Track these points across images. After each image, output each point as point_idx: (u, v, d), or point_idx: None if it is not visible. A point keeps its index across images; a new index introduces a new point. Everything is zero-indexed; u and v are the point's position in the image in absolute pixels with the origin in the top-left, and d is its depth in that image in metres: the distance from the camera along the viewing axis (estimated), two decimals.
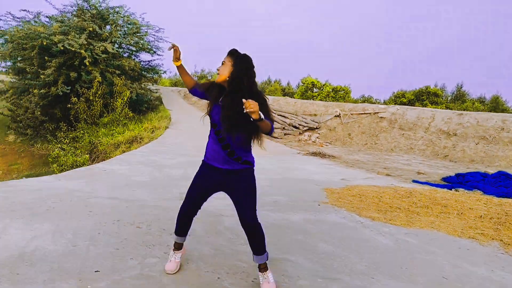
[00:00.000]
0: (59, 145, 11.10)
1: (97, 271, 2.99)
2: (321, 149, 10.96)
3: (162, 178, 6.40)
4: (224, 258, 3.38)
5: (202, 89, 2.87)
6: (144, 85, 15.49)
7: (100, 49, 13.20)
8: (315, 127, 13.55)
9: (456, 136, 11.85)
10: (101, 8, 14.82)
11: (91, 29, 13.45)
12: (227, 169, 2.75)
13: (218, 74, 2.64)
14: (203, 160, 2.89)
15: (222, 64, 2.62)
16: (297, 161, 9.06)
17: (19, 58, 13.84)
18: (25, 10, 14.21)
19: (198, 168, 2.92)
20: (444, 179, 7.90)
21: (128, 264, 3.16)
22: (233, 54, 2.64)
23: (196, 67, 43.86)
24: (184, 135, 11.63)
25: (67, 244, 3.46)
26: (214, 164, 2.77)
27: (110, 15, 14.97)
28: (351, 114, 13.58)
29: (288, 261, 3.41)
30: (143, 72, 15.62)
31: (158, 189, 5.64)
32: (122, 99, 12.54)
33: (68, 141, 11.59)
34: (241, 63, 2.59)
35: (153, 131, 11.34)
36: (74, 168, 7.73)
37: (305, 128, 13.56)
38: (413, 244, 4.03)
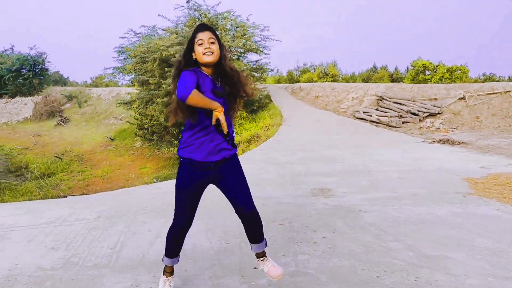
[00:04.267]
0: (168, 149, 11.86)
1: (255, 267, 3.07)
2: (448, 136, 10.14)
3: (288, 175, 6.43)
4: (378, 256, 3.24)
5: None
6: (254, 85, 15.86)
7: None
8: (436, 112, 12.59)
9: None
10: (210, 16, 15.51)
11: None
12: (217, 160, 2.45)
13: (208, 54, 2.34)
14: (183, 159, 2.48)
15: (211, 43, 2.36)
16: (424, 150, 8.49)
17: (142, 71, 15.12)
18: (144, 26, 15.52)
19: (180, 171, 2.52)
20: None
21: (281, 261, 3.19)
22: (212, 29, 2.44)
23: (298, 62, 43.69)
24: (297, 130, 11.65)
25: (220, 242, 3.62)
26: (202, 159, 2.42)
27: (218, 21, 15.61)
28: (478, 95, 12.35)
29: (448, 258, 3.15)
30: (252, 72, 16.01)
31: (287, 186, 5.67)
32: None
33: None
34: (220, 39, 2.45)
35: (267, 128, 11.56)
36: None
37: (426, 114, 12.68)
38: None
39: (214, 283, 2.83)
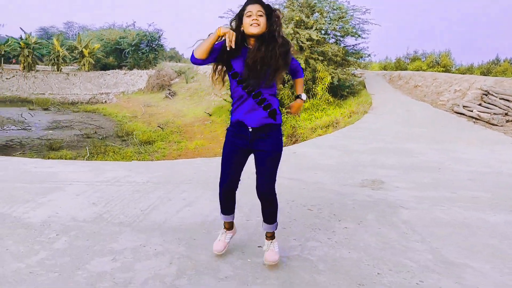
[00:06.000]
0: None
1: (260, 246, 3.12)
2: None
3: (349, 163, 6.25)
4: (391, 254, 3.06)
5: (217, 51, 2.53)
6: (347, 69, 15.41)
7: (305, 37, 13.72)
8: None
9: None
10: None
11: (297, 18, 14.09)
12: (255, 127, 2.57)
13: (255, 25, 2.44)
14: (231, 122, 2.69)
15: (259, 15, 2.45)
16: None
17: None
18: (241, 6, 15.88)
19: (226, 134, 2.74)
20: None
21: (289, 244, 3.19)
22: (264, 4, 2.52)
23: (408, 49, 41.20)
24: (383, 120, 11.12)
25: (242, 218, 3.72)
26: (242, 120, 2.57)
27: (317, 3, 15.36)
28: None
29: (468, 267, 2.86)
30: (347, 57, 15.55)
31: (341, 174, 5.53)
32: (323, 84, 12.81)
33: None
34: (275, 14, 2.53)
35: (350, 115, 11.22)
36: None
37: None
38: None
39: (212, 255, 2.94)
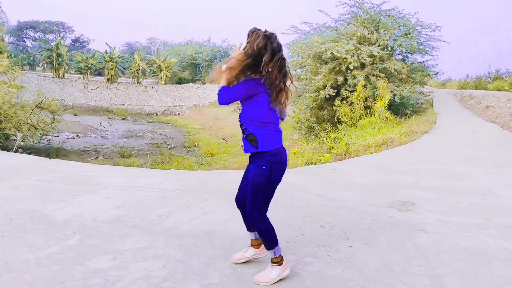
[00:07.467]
0: (312, 144, 12.09)
1: (256, 258, 3.19)
2: None
3: (386, 183, 6.07)
4: (386, 276, 2.98)
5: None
6: (412, 87, 14.82)
7: (367, 54, 13.49)
8: None
9: None
10: (373, 13, 15.08)
11: (359, 34, 13.91)
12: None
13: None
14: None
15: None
16: None
17: (297, 67, 15.69)
18: (306, 22, 16.07)
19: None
20: None
21: (287, 257, 3.21)
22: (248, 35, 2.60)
23: (490, 67, 38.57)
24: (443, 141, 10.56)
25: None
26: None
27: (382, 18, 15.06)
28: None
29: None
30: (412, 74, 14.98)
31: (372, 193, 5.40)
32: (382, 102, 12.47)
33: (330, 141, 12.44)
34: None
35: (407, 135, 10.79)
36: (314, 164, 8.25)
37: None
38: None
39: (205, 262, 3.07)
